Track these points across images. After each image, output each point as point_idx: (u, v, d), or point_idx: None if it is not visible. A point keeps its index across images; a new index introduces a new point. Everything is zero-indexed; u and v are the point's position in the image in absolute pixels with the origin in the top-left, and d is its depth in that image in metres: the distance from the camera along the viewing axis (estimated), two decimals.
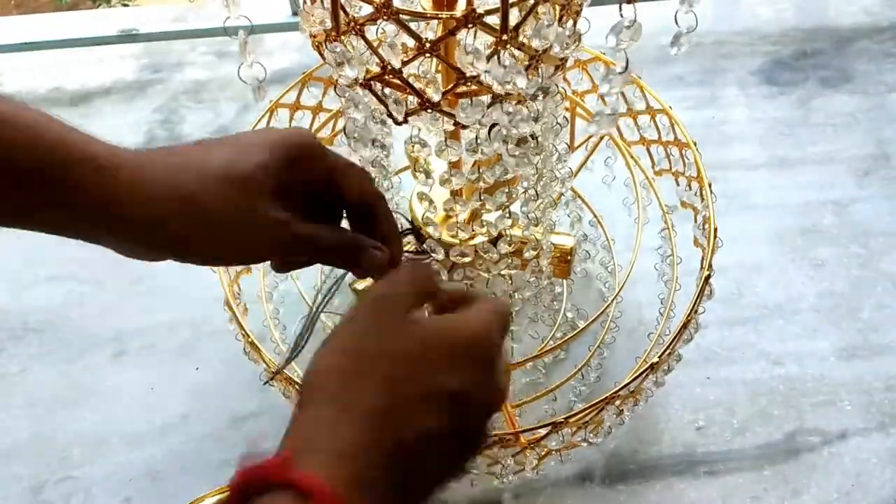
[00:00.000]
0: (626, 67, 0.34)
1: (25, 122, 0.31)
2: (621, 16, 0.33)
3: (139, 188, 0.33)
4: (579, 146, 0.77)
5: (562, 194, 0.69)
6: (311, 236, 0.37)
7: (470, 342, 0.33)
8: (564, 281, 0.78)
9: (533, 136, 0.48)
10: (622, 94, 0.71)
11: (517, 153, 0.46)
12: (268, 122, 0.72)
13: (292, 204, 0.36)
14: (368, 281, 0.51)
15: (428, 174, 0.49)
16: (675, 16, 0.37)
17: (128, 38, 1.16)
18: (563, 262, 0.70)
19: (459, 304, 0.36)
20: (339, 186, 0.38)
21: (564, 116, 0.55)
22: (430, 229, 0.55)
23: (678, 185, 0.70)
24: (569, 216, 0.73)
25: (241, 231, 0.35)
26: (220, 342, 0.81)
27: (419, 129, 0.46)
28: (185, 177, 0.34)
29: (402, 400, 0.31)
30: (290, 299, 0.75)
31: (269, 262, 0.40)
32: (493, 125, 0.43)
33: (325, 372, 0.32)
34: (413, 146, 0.47)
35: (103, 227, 0.33)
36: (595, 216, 0.81)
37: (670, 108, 0.69)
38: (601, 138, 0.74)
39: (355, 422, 0.30)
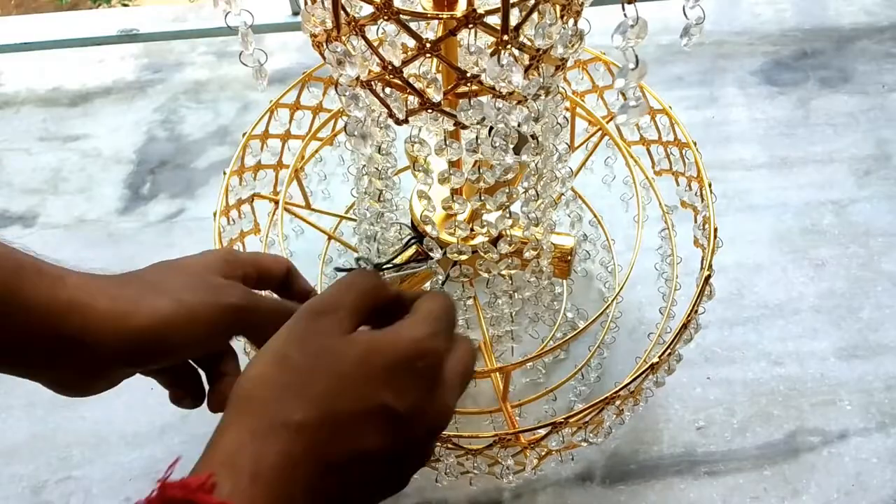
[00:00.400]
0: (638, 63, 0.34)
1: None
2: (625, 15, 0.33)
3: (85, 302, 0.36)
4: (579, 146, 0.77)
5: (562, 194, 0.69)
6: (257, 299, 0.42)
7: (409, 355, 0.31)
8: (564, 281, 0.78)
9: (533, 136, 0.48)
10: (622, 94, 0.71)
11: (496, 143, 0.45)
12: (268, 123, 0.72)
13: None
14: None
15: (427, 173, 0.49)
16: (684, 9, 0.37)
17: (128, 38, 1.16)
18: (564, 262, 0.70)
19: (405, 308, 0.35)
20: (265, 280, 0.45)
21: (565, 116, 0.55)
22: (428, 228, 0.55)
23: (678, 185, 0.70)
24: (569, 216, 0.73)
25: (199, 292, 0.39)
26: None
27: (419, 129, 0.46)
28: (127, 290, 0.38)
29: (333, 418, 0.29)
30: None
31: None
32: (491, 128, 0.43)
33: (253, 383, 0.31)
34: (413, 146, 0.47)
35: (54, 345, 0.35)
36: (595, 216, 0.81)
37: (670, 107, 0.69)
38: (601, 138, 0.74)
39: (281, 438, 0.28)
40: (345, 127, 0.48)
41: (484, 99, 0.43)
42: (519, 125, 0.44)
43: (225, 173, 0.68)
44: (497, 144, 0.44)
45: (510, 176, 0.48)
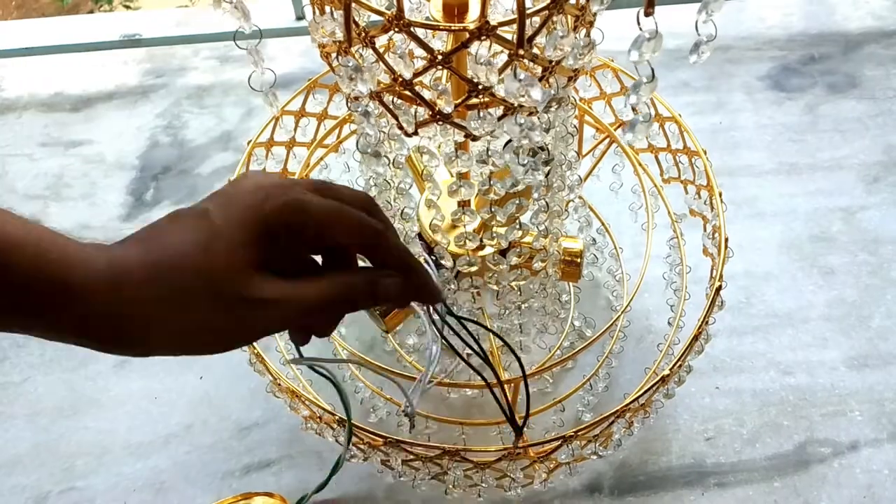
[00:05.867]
0: (653, 77, 0.34)
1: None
2: (640, 29, 0.32)
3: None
4: (587, 154, 0.76)
5: (570, 202, 0.68)
6: (318, 299, 0.36)
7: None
8: (572, 289, 0.77)
9: (544, 149, 0.47)
10: (633, 109, 0.71)
11: (525, 161, 0.45)
12: (273, 129, 0.71)
13: (282, 265, 0.36)
14: None
15: (434, 184, 0.49)
16: (696, 24, 0.37)
17: (130, 42, 1.15)
18: (574, 265, 0.69)
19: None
20: (332, 239, 0.36)
21: (574, 125, 0.54)
22: (437, 237, 0.54)
23: (687, 193, 0.69)
24: (577, 221, 0.72)
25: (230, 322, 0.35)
26: None
27: (429, 140, 0.46)
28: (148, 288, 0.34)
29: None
30: None
31: None
32: (509, 141, 0.43)
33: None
34: (421, 156, 0.46)
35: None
36: (603, 224, 0.80)
37: (679, 115, 0.69)
38: (609, 145, 0.74)
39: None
40: (357, 144, 0.48)
41: (495, 111, 0.42)
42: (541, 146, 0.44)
43: (229, 180, 0.68)
44: (526, 163, 0.43)
45: (521, 187, 0.47)
